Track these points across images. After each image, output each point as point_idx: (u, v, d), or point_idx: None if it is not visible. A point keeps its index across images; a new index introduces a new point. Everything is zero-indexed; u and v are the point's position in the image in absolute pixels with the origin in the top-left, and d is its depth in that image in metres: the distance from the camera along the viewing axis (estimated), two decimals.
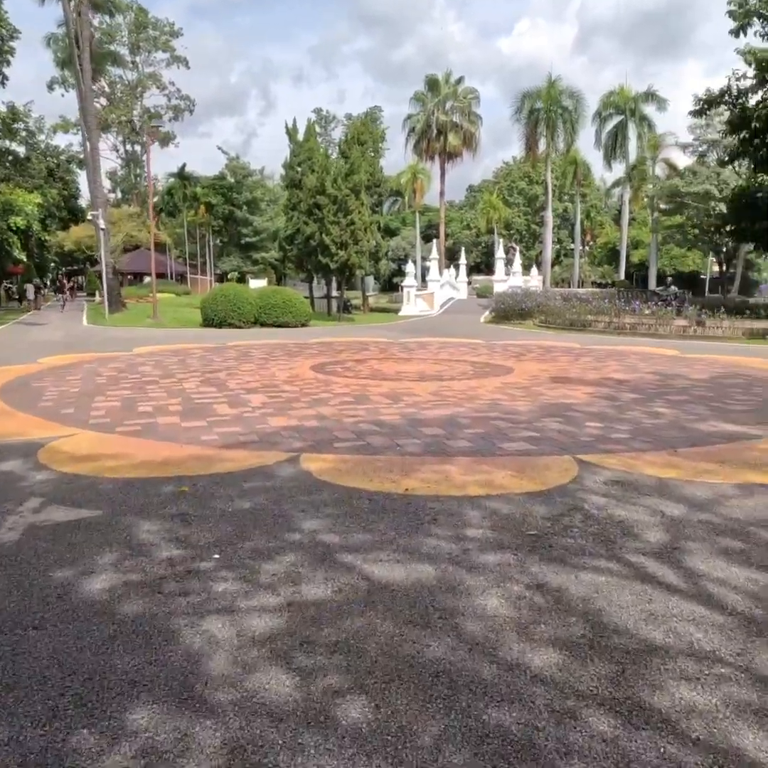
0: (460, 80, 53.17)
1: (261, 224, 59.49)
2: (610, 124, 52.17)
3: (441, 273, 43.70)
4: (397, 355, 15.64)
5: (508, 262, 44.77)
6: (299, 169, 34.22)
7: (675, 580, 3.61)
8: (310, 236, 31.23)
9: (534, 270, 46.36)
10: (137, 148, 67.86)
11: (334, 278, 34.74)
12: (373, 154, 39.70)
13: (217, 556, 3.88)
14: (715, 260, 55.33)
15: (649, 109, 51.05)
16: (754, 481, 5.46)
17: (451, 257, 56.12)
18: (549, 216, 51.17)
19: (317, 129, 57.00)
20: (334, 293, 36.64)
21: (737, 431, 7.36)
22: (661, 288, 26.27)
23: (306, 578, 3.59)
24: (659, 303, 24.75)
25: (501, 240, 51.85)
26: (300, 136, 35.36)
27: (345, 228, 30.69)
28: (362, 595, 3.41)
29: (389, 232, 74.36)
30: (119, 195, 71.20)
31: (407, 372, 12.30)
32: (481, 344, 18.77)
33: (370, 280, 50.15)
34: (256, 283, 40.10)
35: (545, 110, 46.83)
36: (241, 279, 53.18)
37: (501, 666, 2.77)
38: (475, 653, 2.87)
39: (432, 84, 52.63)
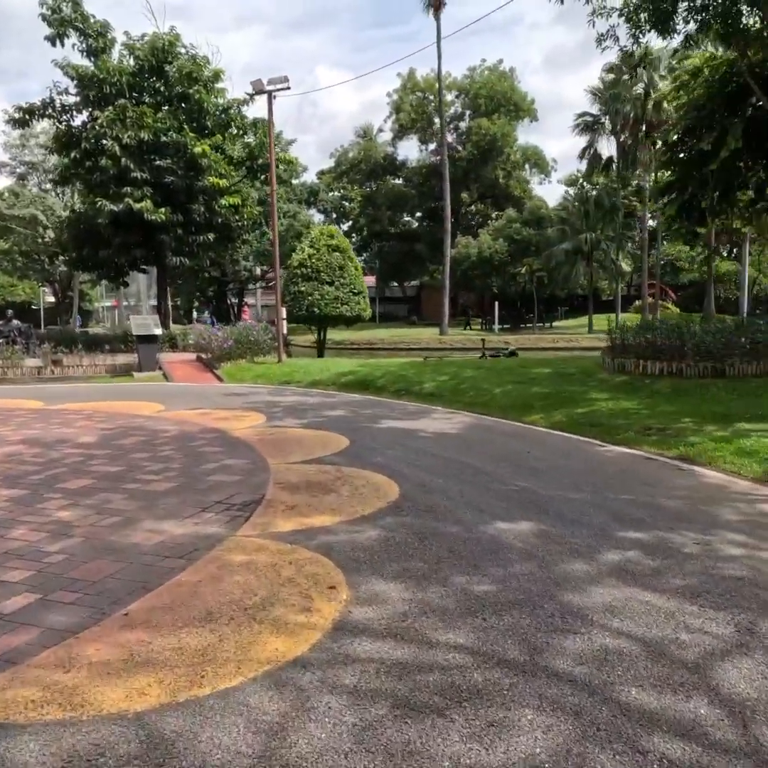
0: None
1: None
2: None
3: None
4: None
5: None
6: None
7: None
8: None
9: None
10: None
11: None
12: None
13: None
14: (48, 290, 52.86)
15: None
16: (259, 670, 3.30)
17: None
18: None
19: None
20: None
21: (187, 534, 5.13)
22: (1, 323, 22.22)
23: None
24: (1, 341, 20.70)
25: None
26: None
27: None
28: None
29: None
30: None
31: None
32: None
33: None
34: None
35: None
36: None
37: None
38: None
39: None
